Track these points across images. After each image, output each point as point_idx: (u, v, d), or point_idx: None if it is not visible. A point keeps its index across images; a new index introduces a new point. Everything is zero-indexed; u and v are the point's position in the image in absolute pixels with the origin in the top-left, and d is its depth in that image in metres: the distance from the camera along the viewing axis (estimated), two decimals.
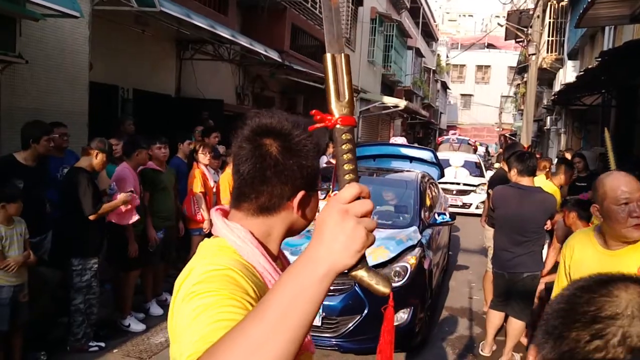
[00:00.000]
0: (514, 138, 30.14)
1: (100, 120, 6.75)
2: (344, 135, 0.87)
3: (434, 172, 7.48)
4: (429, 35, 33.55)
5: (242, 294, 0.97)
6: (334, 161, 0.90)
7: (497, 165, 17.21)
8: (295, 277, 0.76)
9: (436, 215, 5.57)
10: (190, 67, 9.89)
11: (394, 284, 3.76)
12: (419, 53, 28.75)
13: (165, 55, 9.24)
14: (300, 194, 1.11)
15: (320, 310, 3.74)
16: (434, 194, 6.67)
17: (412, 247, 4.66)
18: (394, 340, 1.11)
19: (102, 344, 4.44)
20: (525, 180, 4.29)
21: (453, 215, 5.65)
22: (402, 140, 8.64)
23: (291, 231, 1.18)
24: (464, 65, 46.95)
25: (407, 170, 6.85)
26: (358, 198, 0.80)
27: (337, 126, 0.87)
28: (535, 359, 0.78)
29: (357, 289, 4.11)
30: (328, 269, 0.76)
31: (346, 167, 0.87)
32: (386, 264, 4.38)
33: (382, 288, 0.85)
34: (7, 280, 3.63)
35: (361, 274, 0.83)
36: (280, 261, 1.22)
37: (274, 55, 9.87)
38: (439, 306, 6.03)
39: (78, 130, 5.74)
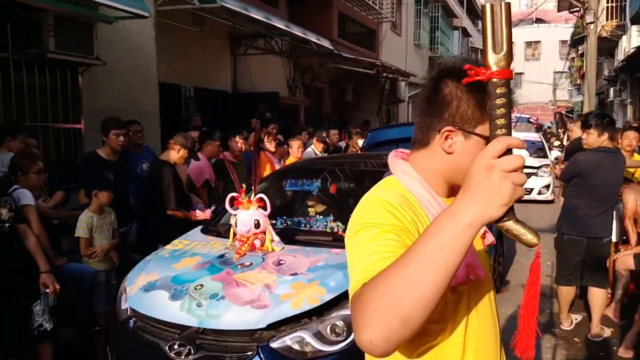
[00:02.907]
0: (570, 115, 28.93)
1: (167, 118, 7.05)
2: (498, 89, 0.86)
3: None
4: (475, 14, 32.65)
5: (399, 226, 1.04)
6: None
7: (556, 143, 16.44)
8: (441, 226, 0.83)
9: None
10: (244, 62, 10.14)
11: (326, 350, 2.46)
12: (465, 33, 28.05)
13: (221, 52, 9.52)
14: (446, 127, 1.12)
15: None
16: None
17: None
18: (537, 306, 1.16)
19: None
20: (611, 144, 4.19)
21: None
22: None
23: (449, 173, 1.16)
24: (512, 42, 45.17)
25: None
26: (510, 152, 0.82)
27: (492, 80, 0.86)
28: None
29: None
30: (472, 220, 0.81)
31: (498, 121, 0.86)
32: (317, 312, 2.57)
33: (531, 239, 0.86)
34: (97, 265, 3.86)
35: (509, 225, 0.85)
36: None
37: (326, 43, 9.96)
38: (514, 284, 5.89)
39: (151, 128, 6.03)
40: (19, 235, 3.15)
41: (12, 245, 3.11)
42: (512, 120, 0.92)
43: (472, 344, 1.14)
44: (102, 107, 5.54)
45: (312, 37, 9.27)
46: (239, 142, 5.39)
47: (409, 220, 1.07)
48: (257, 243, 3.04)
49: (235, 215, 3.13)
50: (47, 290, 3.14)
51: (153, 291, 2.80)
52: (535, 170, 11.74)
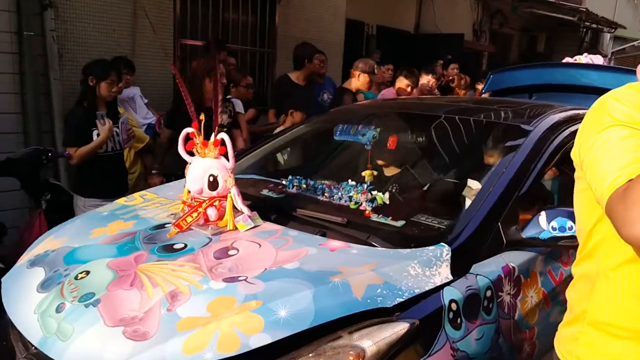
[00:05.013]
0: None
1: (349, 54, 7.16)
2: None
3: None
4: None
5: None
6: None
7: None
8: None
9: (540, 220, 1.73)
10: (430, 2, 9.75)
11: None
12: None
13: None
14: None
15: None
16: None
17: (381, 315, 1.42)
18: None
19: None
20: None
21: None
22: (587, 59, 3.47)
23: None
24: None
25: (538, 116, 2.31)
26: None
27: None
28: None
29: None
30: None
31: None
32: None
33: None
34: None
35: None
36: None
37: None
38: None
39: (335, 60, 6.18)
40: (233, 140, 3.51)
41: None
42: None
43: None
44: (294, 36, 5.80)
45: None
46: (428, 80, 5.27)
47: None
48: (212, 213, 1.90)
49: (189, 164, 1.99)
50: None
51: (34, 268, 1.80)
52: None
